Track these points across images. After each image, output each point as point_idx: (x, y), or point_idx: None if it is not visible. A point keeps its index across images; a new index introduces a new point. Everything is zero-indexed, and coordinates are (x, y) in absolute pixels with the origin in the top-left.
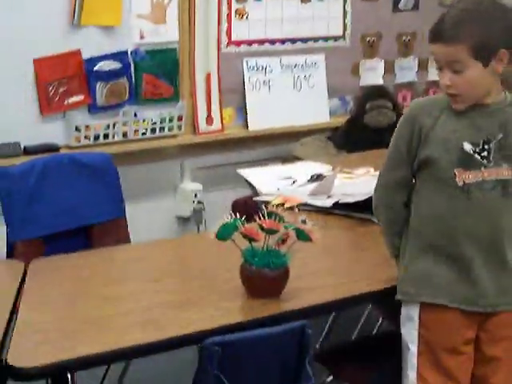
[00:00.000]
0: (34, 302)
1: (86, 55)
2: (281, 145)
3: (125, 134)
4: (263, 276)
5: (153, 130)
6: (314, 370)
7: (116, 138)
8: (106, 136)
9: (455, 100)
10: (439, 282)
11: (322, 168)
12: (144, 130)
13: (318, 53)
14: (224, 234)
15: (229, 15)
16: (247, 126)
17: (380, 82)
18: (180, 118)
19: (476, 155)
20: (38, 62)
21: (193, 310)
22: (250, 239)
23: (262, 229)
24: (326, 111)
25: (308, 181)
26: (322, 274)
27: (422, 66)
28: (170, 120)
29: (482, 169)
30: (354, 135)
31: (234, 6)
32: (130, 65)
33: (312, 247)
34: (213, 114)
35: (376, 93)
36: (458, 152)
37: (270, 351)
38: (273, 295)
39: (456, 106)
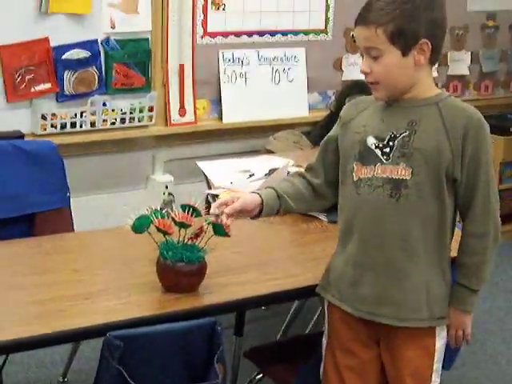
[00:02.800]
0: None
1: (54, 43)
2: (256, 139)
3: (93, 124)
4: (177, 270)
5: (122, 120)
6: (244, 367)
7: (84, 127)
8: (73, 125)
9: (375, 88)
10: (333, 276)
11: (284, 162)
12: (113, 120)
13: (299, 46)
14: (139, 226)
15: (204, 6)
16: (221, 119)
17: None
18: (151, 109)
19: (377, 150)
20: (3, 49)
21: (103, 303)
22: (164, 233)
23: (175, 222)
24: (305, 106)
25: (265, 175)
26: (249, 269)
27: None
28: (141, 110)
29: (378, 165)
30: (330, 130)
31: None
32: (99, 54)
33: (247, 243)
34: (186, 106)
35: (357, 88)
36: (361, 146)
37: (176, 347)
38: (188, 290)
39: (376, 96)
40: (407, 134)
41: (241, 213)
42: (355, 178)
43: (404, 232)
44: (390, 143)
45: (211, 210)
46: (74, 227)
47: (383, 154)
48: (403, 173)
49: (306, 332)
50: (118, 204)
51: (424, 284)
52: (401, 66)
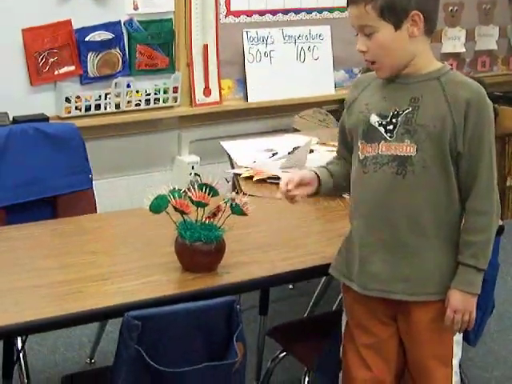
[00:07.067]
0: None
1: (77, 25)
2: (281, 118)
3: (117, 105)
4: (195, 250)
5: (147, 101)
6: (269, 345)
7: (108, 109)
8: (97, 107)
9: (376, 68)
10: (343, 257)
11: (307, 140)
12: (138, 101)
13: (323, 24)
14: (157, 206)
15: None
16: (247, 98)
17: None
18: (175, 90)
19: (381, 128)
20: (26, 32)
21: (122, 283)
22: (181, 212)
23: (192, 201)
24: (331, 83)
25: (289, 153)
26: (269, 248)
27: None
28: (165, 91)
29: (382, 142)
30: None
31: None
32: (122, 35)
33: (266, 221)
34: (211, 86)
35: None
36: (365, 124)
37: (194, 327)
38: (207, 270)
39: (378, 74)
40: (410, 110)
41: (300, 186)
42: (361, 157)
43: (412, 208)
44: (394, 120)
45: (281, 189)
46: (99, 209)
47: (387, 131)
48: (408, 149)
49: (333, 309)
50: (144, 185)
51: (434, 259)
52: (395, 39)
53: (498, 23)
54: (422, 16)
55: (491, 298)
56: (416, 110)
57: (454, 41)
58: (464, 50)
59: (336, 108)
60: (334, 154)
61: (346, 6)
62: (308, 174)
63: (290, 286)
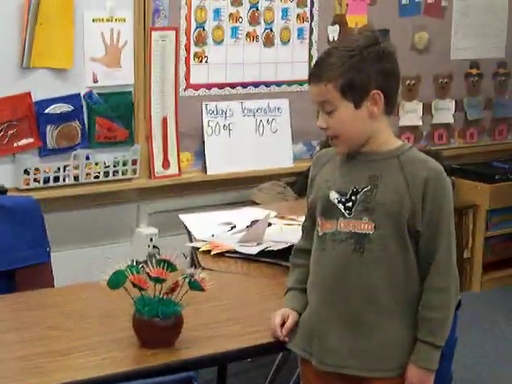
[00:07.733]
0: None
1: (36, 98)
2: (241, 190)
3: (76, 178)
4: (153, 325)
5: (106, 174)
6: None
7: (67, 181)
8: (56, 179)
9: (335, 143)
10: (302, 331)
11: (265, 213)
12: (97, 174)
13: (282, 97)
14: (115, 282)
15: (187, 58)
16: (206, 171)
17: None
18: (134, 162)
19: (340, 205)
20: None
21: (80, 359)
22: (139, 288)
23: (150, 277)
24: (290, 156)
25: (247, 227)
26: (228, 323)
27: None
28: (124, 163)
29: (340, 219)
30: None
31: (193, 49)
32: (82, 108)
33: (225, 296)
34: (169, 158)
35: None
36: (324, 200)
37: None
38: (165, 345)
39: (337, 151)
40: (369, 188)
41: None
42: (320, 233)
43: (369, 285)
44: (353, 198)
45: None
46: (58, 281)
47: (346, 208)
48: (366, 227)
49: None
50: (103, 257)
51: (392, 335)
52: (355, 118)
53: (454, 97)
54: (382, 95)
55: (449, 371)
56: (375, 188)
57: (411, 114)
58: (421, 123)
59: (294, 180)
60: (298, 229)
61: (304, 79)
62: (292, 317)
63: (249, 359)
